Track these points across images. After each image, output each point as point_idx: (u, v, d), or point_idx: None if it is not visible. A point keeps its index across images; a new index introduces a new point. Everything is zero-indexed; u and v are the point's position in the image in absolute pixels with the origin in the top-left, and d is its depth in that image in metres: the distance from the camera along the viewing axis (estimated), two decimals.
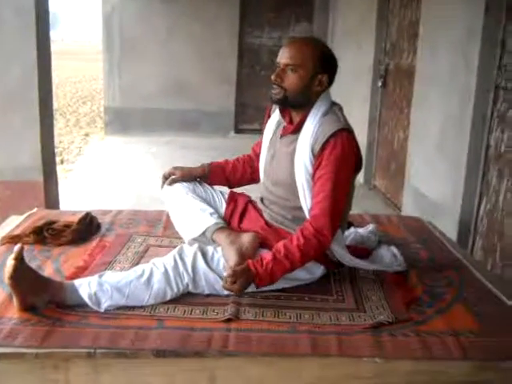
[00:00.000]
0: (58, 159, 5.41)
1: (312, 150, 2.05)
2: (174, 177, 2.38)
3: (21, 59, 3.63)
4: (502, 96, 3.17)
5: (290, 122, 2.20)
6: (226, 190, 2.47)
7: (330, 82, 2.14)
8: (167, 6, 7.75)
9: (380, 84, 5.41)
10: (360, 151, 2.13)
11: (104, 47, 8.00)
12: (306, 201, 2.09)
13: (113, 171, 6.04)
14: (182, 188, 2.34)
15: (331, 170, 2.00)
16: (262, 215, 2.28)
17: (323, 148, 2.02)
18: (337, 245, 2.12)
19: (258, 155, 2.43)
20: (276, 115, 2.29)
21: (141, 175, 5.81)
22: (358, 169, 2.14)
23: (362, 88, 5.77)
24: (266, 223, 2.23)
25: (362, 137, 5.67)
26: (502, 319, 1.93)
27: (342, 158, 2.01)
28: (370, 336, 1.79)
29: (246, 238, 2.10)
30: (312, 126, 2.08)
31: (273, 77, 2.10)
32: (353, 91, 6.02)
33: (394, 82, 5.20)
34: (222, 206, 2.37)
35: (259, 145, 2.42)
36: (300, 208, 2.13)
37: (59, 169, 5.01)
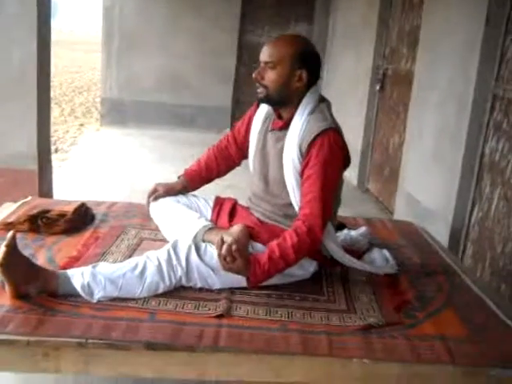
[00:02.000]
0: (52, 148, 5.38)
1: (300, 149, 2.08)
2: (157, 193, 2.44)
3: (21, 47, 3.61)
4: (499, 106, 3.20)
5: (279, 117, 2.22)
6: (211, 196, 2.50)
7: (315, 77, 2.16)
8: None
9: (378, 88, 5.43)
10: (347, 148, 2.14)
11: (103, 38, 7.97)
12: (295, 198, 2.12)
13: (107, 162, 6.03)
14: (166, 201, 2.41)
15: (319, 169, 2.02)
16: (252, 213, 2.30)
17: (310, 147, 2.04)
18: (330, 240, 2.14)
19: (237, 140, 2.46)
20: (265, 107, 2.30)
21: (135, 167, 5.80)
22: (345, 165, 2.16)
23: (360, 91, 5.78)
24: (258, 219, 2.24)
25: (357, 140, 5.70)
26: (489, 326, 1.95)
27: (329, 158, 2.03)
28: (359, 337, 1.80)
29: (236, 228, 2.13)
30: (299, 124, 2.10)
31: (253, 75, 2.14)
32: (350, 94, 6.05)
33: (391, 87, 5.22)
34: (208, 212, 2.41)
35: (240, 132, 2.45)
36: (290, 204, 2.15)
37: (53, 158, 4.99)
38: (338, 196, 2.22)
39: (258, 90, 2.15)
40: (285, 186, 2.14)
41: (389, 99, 5.26)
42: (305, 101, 2.13)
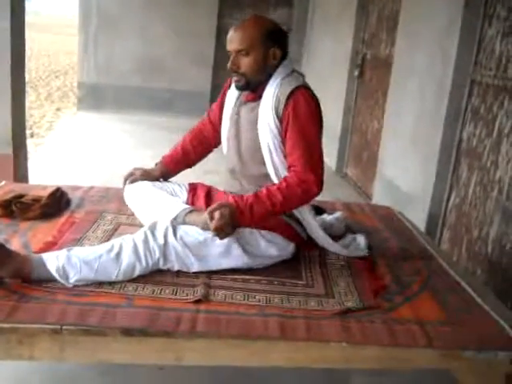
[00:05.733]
0: (28, 133, 5.30)
1: (276, 112, 2.09)
2: (134, 177, 2.42)
3: None
4: (477, 91, 3.21)
5: (253, 91, 2.22)
6: (184, 183, 2.48)
7: (285, 51, 2.17)
8: None
9: (357, 73, 5.43)
10: (320, 107, 2.15)
11: (80, 22, 7.83)
12: (273, 165, 2.12)
13: (84, 147, 5.95)
14: (142, 184, 2.38)
15: (300, 126, 2.06)
16: (227, 194, 2.28)
17: (286, 107, 2.07)
18: (309, 216, 2.19)
19: (212, 121, 2.46)
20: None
21: (112, 152, 5.74)
22: (320, 126, 2.17)
23: (339, 76, 5.78)
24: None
25: (336, 125, 5.70)
26: (466, 309, 1.96)
27: (307, 114, 2.07)
28: (337, 321, 1.80)
29: (214, 204, 2.09)
30: (272, 89, 2.12)
31: (229, 65, 2.13)
32: (329, 79, 6.03)
33: (370, 72, 5.22)
34: (184, 196, 2.39)
35: (215, 113, 2.44)
36: (266, 176, 2.15)
37: (29, 142, 4.91)
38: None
39: (235, 79, 2.16)
40: (259, 156, 2.14)
41: (368, 84, 5.26)
42: (278, 71, 2.14)
